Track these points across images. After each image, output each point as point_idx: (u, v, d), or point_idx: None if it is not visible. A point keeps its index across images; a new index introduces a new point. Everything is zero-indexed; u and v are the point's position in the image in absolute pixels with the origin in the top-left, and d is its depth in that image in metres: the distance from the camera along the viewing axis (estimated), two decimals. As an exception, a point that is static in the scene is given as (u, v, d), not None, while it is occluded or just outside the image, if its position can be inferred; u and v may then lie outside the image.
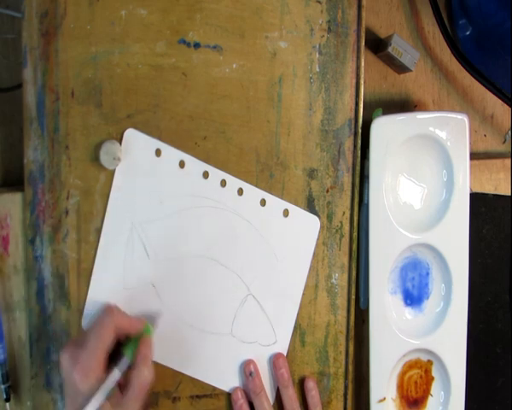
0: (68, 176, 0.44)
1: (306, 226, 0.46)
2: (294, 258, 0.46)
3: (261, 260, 0.46)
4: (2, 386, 0.45)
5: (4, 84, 0.49)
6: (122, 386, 0.39)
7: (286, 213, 0.46)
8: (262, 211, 0.45)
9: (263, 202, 0.45)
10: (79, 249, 0.45)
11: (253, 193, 0.45)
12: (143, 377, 0.39)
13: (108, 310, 0.41)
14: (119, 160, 0.43)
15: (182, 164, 0.44)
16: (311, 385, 0.46)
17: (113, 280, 0.45)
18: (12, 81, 0.49)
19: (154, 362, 0.45)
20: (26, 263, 0.46)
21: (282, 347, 0.46)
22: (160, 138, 0.44)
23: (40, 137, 0.44)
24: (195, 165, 0.45)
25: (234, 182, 0.45)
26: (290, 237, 0.46)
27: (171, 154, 0.44)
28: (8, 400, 0.46)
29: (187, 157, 0.45)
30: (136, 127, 0.44)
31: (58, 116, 0.44)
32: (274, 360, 0.46)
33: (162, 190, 0.44)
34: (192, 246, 0.45)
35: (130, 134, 0.44)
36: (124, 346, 0.40)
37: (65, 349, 0.39)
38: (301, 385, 0.47)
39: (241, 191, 0.45)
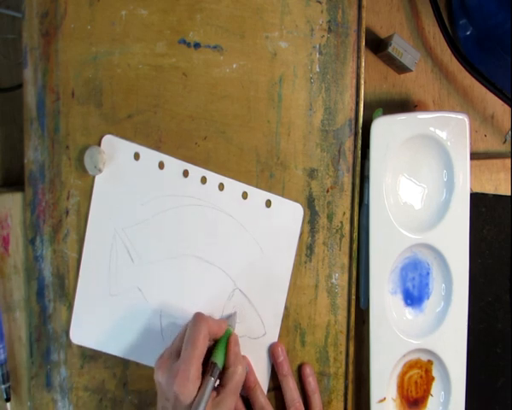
0: (69, 176, 0.44)
1: (290, 215, 0.46)
2: (279, 247, 0.46)
3: (246, 253, 0.46)
4: (3, 386, 0.45)
5: (4, 84, 0.49)
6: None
7: (268, 203, 0.46)
8: (244, 204, 0.45)
9: (245, 195, 0.45)
10: (80, 249, 0.45)
11: (235, 187, 0.45)
12: (238, 375, 0.41)
13: (201, 318, 0.40)
14: (99, 170, 0.43)
15: (161, 165, 0.44)
16: (307, 371, 0.46)
17: (99, 288, 0.45)
18: (12, 81, 0.49)
19: (144, 365, 0.46)
20: (26, 263, 0.46)
21: (272, 338, 0.46)
22: (160, 139, 0.44)
23: (40, 138, 0.44)
24: (175, 165, 0.45)
25: (214, 178, 0.45)
26: (274, 227, 0.46)
27: (150, 156, 0.44)
28: (8, 400, 0.46)
29: (166, 158, 0.44)
30: (136, 127, 0.44)
31: (58, 116, 0.44)
32: (272, 350, 0.46)
33: (142, 193, 0.45)
34: (176, 246, 0.45)
35: (108, 140, 0.44)
36: (212, 353, 0.41)
37: (159, 365, 0.39)
38: (299, 373, 0.47)
39: (222, 186, 0.45)
